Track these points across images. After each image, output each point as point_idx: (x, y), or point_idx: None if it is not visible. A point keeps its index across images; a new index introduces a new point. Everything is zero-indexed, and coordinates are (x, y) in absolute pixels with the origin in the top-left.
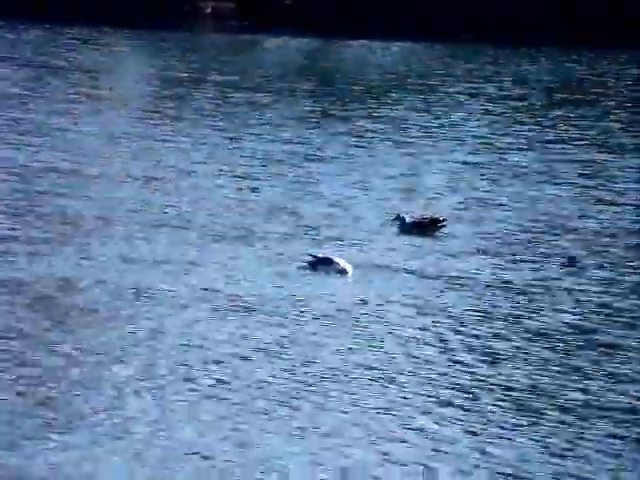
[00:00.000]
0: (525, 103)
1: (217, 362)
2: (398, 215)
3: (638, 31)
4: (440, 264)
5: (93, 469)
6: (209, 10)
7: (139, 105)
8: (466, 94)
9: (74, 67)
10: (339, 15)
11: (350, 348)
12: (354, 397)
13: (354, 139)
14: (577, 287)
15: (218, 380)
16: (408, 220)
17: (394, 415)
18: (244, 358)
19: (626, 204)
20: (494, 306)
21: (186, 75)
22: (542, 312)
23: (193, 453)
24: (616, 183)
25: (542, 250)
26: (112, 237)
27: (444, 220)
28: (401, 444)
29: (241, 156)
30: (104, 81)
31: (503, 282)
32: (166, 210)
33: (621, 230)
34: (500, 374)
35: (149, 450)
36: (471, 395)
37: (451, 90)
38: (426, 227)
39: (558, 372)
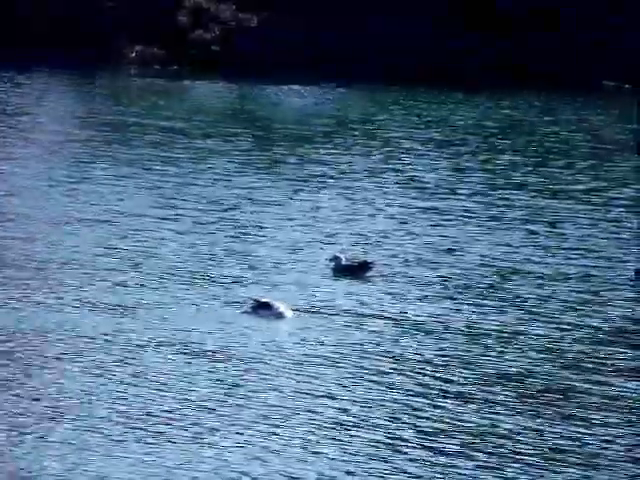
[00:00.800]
0: (467, 148)
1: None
2: (335, 256)
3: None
4: (373, 306)
5: None
6: (134, 54)
7: (75, 148)
8: (407, 139)
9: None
10: (266, 61)
11: (284, 389)
12: (291, 441)
13: (298, 183)
14: (515, 330)
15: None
16: (343, 262)
17: (336, 460)
18: (178, 394)
19: (572, 248)
20: (434, 346)
21: (118, 118)
22: (484, 353)
23: None
24: (562, 228)
25: (480, 292)
26: (51, 281)
27: (372, 263)
28: None
29: (184, 200)
30: (31, 123)
31: (441, 324)
32: (108, 253)
33: (567, 273)
34: (446, 414)
35: None
36: (415, 437)
37: (390, 135)
38: (356, 270)
39: (508, 414)
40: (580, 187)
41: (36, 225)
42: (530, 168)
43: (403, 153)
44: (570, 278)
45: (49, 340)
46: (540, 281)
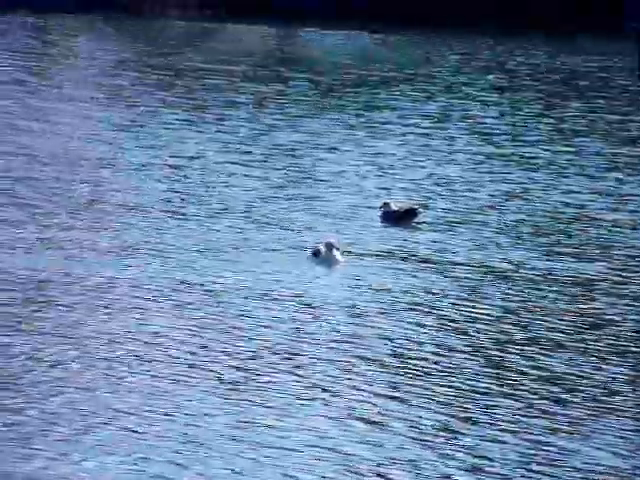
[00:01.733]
0: (528, 94)
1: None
2: (385, 203)
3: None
4: (415, 252)
5: None
6: None
7: (133, 93)
8: (461, 83)
9: (36, 52)
10: (308, 6)
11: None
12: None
13: (359, 128)
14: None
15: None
16: (392, 209)
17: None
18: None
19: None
20: (492, 291)
21: (169, 63)
22: (527, 299)
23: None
24: (630, 175)
25: (527, 238)
26: (117, 224)
27: (418, 209)
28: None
29: (246, 144)
30: (66, 66)
31: (490, 269)
32: (171, 197)
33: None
34: (523, 361)
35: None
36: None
37: (451, 80)
38: (403, 217)
39: (599, 362)
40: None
41: (101, 169)
42: (592, 115)
43: (464, 99)
44: (636, 226)
45: (106, 285)
46: (603, 230)
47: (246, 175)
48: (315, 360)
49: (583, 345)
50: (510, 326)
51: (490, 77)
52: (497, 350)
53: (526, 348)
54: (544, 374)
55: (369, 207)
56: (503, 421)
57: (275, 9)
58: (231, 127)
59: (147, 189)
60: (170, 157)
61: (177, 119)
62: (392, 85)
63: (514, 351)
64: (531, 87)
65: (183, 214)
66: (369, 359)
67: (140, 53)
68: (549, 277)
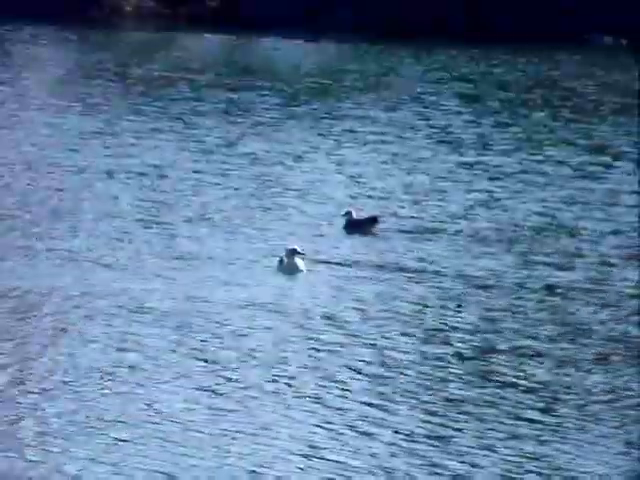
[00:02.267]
0: (489, 103)
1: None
2: (347, 211)
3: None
4: (375, 259)
5: None
6: (129, 8)
7: (76, 98)
8: (431, 94)
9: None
10: (263, 15)
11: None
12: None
13: (325, 137)
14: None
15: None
16: (354, 217)
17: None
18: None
19: (605, 203)
20: (450, 294)
21: (136, 72)
22: (499, 307)
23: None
24: (595, 182)
25: (495, 245)
26: (85, 232)
27: (379, 217)
28: None
29: (211, 152)
30: (26, 75)
31: (454, 274)
32: (139, 205)
33: (601, 230)
34: (471, 364)
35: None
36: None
37: (414, 89)
38: (365, 224)
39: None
40: (613, 142)
41: (68, 177)
42: (557, 123)
43: (428, 107)
44: (605, 234)
45: (72, 297)
46: (568, 237)
47: (215, 184)
48: (294, 369)
49: (562, 353)
50: (488, 334)
51: (455, 86)
52: (475, 357)
53: (499, 356)
54: (520, 381)
55: (334, 215)
56: (488, 429)
57: (243, 18)
58: (199, 135)
59: (116, 197)
60: (139, 165)
61: (145, 127)
62: (358, 94)
63: (494, 359)
64: (496, 96)
65: (151, 222)
66: (344, 366)
67: (103, 62)
68: (523, 285)
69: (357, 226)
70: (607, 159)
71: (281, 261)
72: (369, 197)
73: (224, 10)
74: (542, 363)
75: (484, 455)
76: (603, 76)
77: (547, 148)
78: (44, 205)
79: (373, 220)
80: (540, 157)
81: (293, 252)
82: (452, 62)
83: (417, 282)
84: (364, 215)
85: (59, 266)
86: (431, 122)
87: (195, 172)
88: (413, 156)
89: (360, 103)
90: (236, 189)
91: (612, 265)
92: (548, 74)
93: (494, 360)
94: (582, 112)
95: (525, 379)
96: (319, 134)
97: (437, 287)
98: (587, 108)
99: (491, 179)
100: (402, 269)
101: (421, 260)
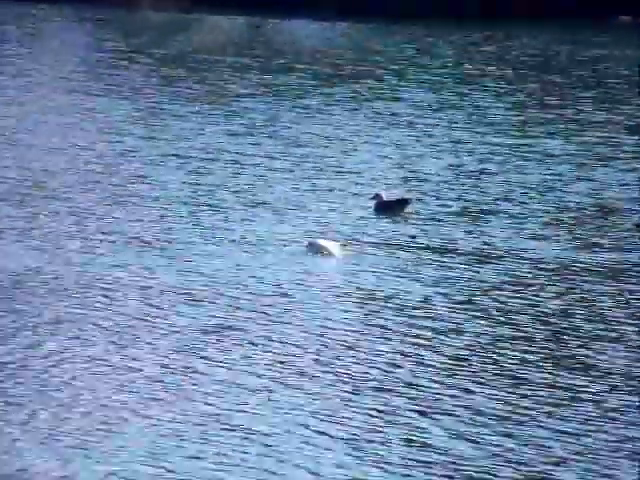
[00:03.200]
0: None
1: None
2: (377, 194)
3: None
4: (406, 240)
5: None
6: None
7: (78, 79)
8: (468, 74)
9: (11, 40)
10: None
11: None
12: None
13: (364, 119)
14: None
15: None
16: (384, 199)
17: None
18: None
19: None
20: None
21: (162, 53)
22: (524, 283)
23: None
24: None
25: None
26: (94, 216)
27: (409, 199)
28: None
29: (242, 134)
30: (40, 55)
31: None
32: (174, 188)
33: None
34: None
35: None
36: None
37: (447, 71)
38: (394, 207)
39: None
40: (624, 122)
41: (120, 161)
42: (602, 105)
43: (469, 88)
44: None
45: (76, 280)
46: (626, 221)
47: (255, 165)
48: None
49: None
50: (556, 317)
51: (492, 68)
52: (548, 339)
53: (571, 339)
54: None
55: (363, 197)
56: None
57: None
58: (239, 118)
59: (158, 181)
60: (185, 149)
61: (184, 110)
62: (394, 75)
63: (566, 342)
64: (534, 78)
65: (193, 205)
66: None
67: (127, 44)
68: (586, 268)
69: (387, 208)
70: None
71: (311, 245)
72: (406, 179)
73: None
74: (614, 348)
75: (556, 440)
76: (630, 55)
77: (589, 129)
78: (97, 189)
79: (403, 202)
80: (585, 139)
81: (322, 242)
82: (485, 43)
83: (448, 266)
84: (396, 197)
85: (116, 251)
86: (471, 103)
87: (237, 154)
88: (454, 137)
89: (398, 85)
90: (275, 170)
91: None
92: (585, 55)
93: (566, 344)
94: (620, 93)
95: (597, 364)
96: (358, 116)
97: (465, 268)
98: (623, 89)
99: (540, 162)
100: (434, 251)
101: (452, 241)
